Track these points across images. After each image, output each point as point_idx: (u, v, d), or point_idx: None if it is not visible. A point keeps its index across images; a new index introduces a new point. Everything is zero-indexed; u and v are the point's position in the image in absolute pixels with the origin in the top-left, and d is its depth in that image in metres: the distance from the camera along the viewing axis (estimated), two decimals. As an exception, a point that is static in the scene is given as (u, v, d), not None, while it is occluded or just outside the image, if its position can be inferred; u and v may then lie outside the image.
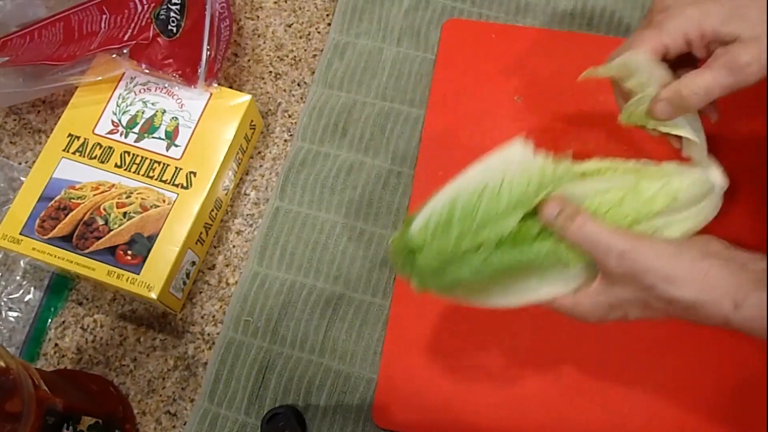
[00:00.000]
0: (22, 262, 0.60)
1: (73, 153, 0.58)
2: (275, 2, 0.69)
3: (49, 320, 0.58)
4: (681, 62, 0.45)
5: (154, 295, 0.53)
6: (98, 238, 0.54)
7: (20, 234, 0.55)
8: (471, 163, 0.43)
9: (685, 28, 0.43)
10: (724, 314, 0.38)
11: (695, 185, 0.44)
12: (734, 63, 0.41)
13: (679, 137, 0.47)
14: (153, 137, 0.58)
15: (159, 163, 0.57)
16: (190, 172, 0.57)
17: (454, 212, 0.41)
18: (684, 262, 0.39)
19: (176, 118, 0.59)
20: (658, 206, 0.43)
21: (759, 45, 0.40)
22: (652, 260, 0.39)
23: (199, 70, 0.59)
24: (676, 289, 0.39)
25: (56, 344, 0.57)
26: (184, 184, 0.56)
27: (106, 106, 0.59)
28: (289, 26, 0.68)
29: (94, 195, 0.56)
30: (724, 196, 0.46)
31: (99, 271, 0.53)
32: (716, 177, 0.46)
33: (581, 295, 0.43)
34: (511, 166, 0.42)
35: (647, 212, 0.42)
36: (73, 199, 0.56)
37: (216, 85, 0.59)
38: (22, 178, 0.62)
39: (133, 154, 0.57)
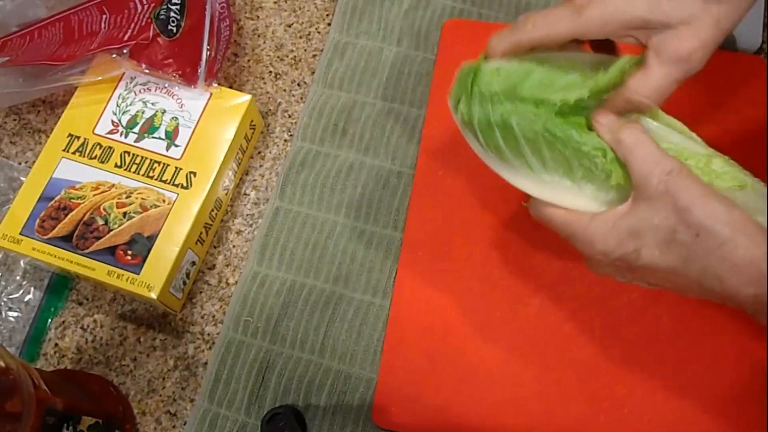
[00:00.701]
0: (22, 262, 0.60)
1: (73, 153, 0.58)
2: (275, 2, 0.69)
3: (49, 320, 0.58)
4: (598, 45, 0.44)
5: (154, 295, 0.53)
6: (98, 238, 0.54)
7: (20, 234, 0.55)
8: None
9: (608, 18, 0.40)
10: (755, 262, 0.34)
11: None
12: (678, 55, 0.39)
13: None
14: (153, 137, 0.58)
15: (159, 163, 0.57)
16: (190, 172, 0.57)
17: (532, 69, 0.40)
18: (727, 202, 0.36)
19: (176, 118, 0.59)
20: (726, 183, 0.39)
21: (694, 29, 0.38)
22: (698, 186, 0.36)
23: (199, 70, 0.59)
24: (712, 219, 0.35)
25: (56, 344, 0.57)
26: (184, 184, 0.56)
27: (106, 106, 0.59)
28: (289, 26, 0.68)
29: (94, 195, 0.56)
30: None
31: (99, 271, 0.53)
32: None
33: (600, 216, 0.40)
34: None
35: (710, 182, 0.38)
36: (73, 199, 0.56)
37: (216, 85, 0.59)
38: (22, 178, 0.62)
39: (133, 154, 0.57)
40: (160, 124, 0.58)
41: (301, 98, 0.65)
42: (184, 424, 0.54)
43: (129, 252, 0.54)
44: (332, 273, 0.57)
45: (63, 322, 0.58)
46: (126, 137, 0.58)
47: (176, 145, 0.58)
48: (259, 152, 0.63)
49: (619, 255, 0.39)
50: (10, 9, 0.62)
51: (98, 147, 0.58)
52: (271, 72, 0.66)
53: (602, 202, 0.41)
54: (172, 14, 0.59)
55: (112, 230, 0.55)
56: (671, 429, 0.50)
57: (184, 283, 0.57)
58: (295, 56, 0.67)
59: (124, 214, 0.55)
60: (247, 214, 0.61)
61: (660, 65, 0.39)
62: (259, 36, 0.68)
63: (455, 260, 0.56)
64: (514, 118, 0.40)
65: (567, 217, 0.41)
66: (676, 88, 0.40)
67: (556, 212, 0.42)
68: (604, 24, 0.40)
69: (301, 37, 0.67)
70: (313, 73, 0.66)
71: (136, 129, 0.58)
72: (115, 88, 0.60)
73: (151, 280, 0.53)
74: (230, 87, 0.62)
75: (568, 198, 0.41)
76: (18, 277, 0.59)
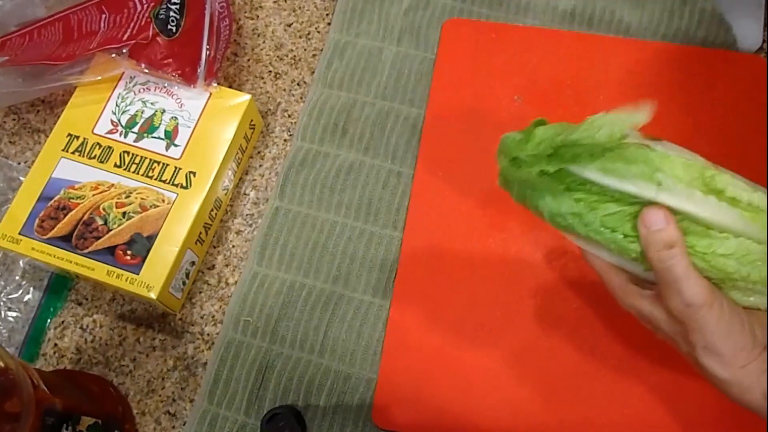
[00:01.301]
0: (21, 262, 0.60)
1: (73, 153, 0.58)
2: (275, 2, 0.69)
3: (49, 320, 0.58)
4: None
5: (153, 295, 0.53)
6: (97, 238, 0.54)
7: (19, 234, 0.55)
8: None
9: None
10: (755, 403, 0.39)
11: None
12: None
13: None
14: (152, 137, 0.58)
15: (158, 162, 0.57)
16: (190, 172, 0.57)
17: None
18: (732, 344, 0.38)
19: (176, 117, 0.59)
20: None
21: None
22: (709, 326, 0.38)
23: (199, 70, 0.59)
24: (713, 362, 0.38)
25: (55, 344, 0.57)
26: (184, 184, 0.56)
27: (105, 106, 0.59)
28: (289, 26, 0.68)
29: (94, 195, 0.56)
30: None
31: (98, 271, 0.53)
32: None
33: (631, 288, 0.42)
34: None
35: (749, 279, 0.39)
36: (73, 198, 0.56)
37: (215, 84, 0.59)
38: (22, 178, 0.62)
39: (133, 154, 0.57)
40: (160, 124, 0.58)
41: (301, 98, 0.65)
42: (184, 425, 0.54)
43: (128, 252, 0.54)
44: (332, 273, 0.57)
45: (62, 322, 0.58)
46: (125, 137, 0.58)
47: (176, 145, 0.58)
48: (259, 152, 0.63)
49: (640, 319, 0.43)
50: (9, 8, 0.62)
51: (97, 147, 0.58)
52: (270, 72, 0.66)
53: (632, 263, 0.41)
54: (171, 14, 0.59)
55: (111, 230, 0.54)
56: (671, 429, 0.50)
57: (184, 283, 0.57)
58: (294, 56, 0.67)
59: (124, 214, 0.55)
60: (247, 214, 0.61)
61: None
62: (258, 35, 0.68)
63: (455, 260, 0.56)
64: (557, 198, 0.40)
65: (606, 272, 0.43)
66: None
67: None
68: None
69: (300, 37, 0.67)
70: (313, 72, 0.66)
71: (136, 129, 0.58)
72: (115, 88, 0.60)
73: (150, 280, 0.53)
74: (230, 87, 0.62)
75: (604, 254, 0.42)
76: (17, 277, 0.59)
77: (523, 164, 0.40)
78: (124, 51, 0.57)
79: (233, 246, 0.60)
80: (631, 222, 0.39)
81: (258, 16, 0.69)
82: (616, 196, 0.39)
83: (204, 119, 0.58)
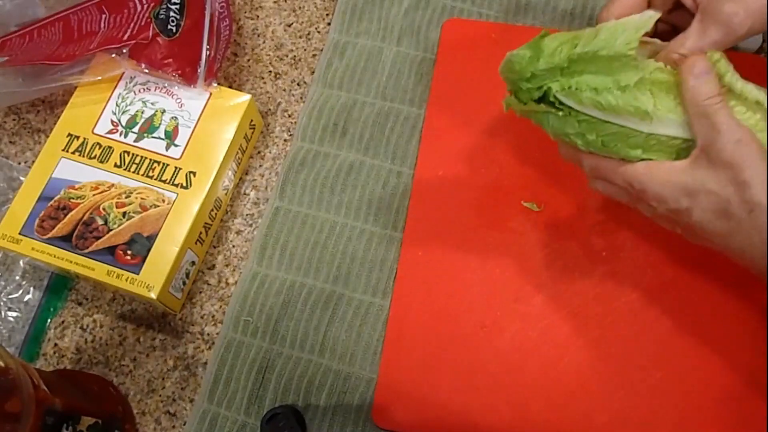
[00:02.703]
0: (21, 262, 0.60)
1: (73, 153, 0.58)
2: (275, 2, 0.69)
3: (49, 320, 0.58)
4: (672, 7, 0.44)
5: (153, 295, 0.53)
6: (98, 238, 0.54)
7: (19, 234, 0.55)
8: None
9: None
10: None
11: None
12: (719, 15, 0.39)
13: None
14: (152, 137, 0.58)
15: (158, 162, 0.57)
16: (190, 172, 0.57)
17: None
18: None
19: (176, 117, 0.59)
20: None
21: None
22: (762, 163, 0.36)
23: (199, 70, 0.59)
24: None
25: (56, 344, 0.57)
26: (184, 184, 0.56)
27: (105, 106, 0.59)
28: (289, 26, 0.68)
29: (94, 195, 0.56)
30: None
31: (98, 271, 0.53)
32: None
33: (660, 165, 0.40)
34: None
35: None
36: (73, 198, 0.56)
37: (216, 84, 0.59)
38: (22, 178, 0.62)
39: (133, 154, 0.57)
40: (160, 124, 0.58)
41: (301, 98, 0.65)
42: (184, 424, 0.54)
43: (128, 252, 0.54)
44: (332, 273, 0.57)
45: (62, 322, 0.58)
46: (125, 137, 0.58)
47: (176, 145, 0.58)
48: (259, 152, 0.63)
49: (672, 208, 0.40)
50: (9, 9, 0.62)
51: (98, 147, 0.58)
52: (270, 72, 0.66)
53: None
54: (171, 14, 0.59)
55: (111, 230, 0.55)
56: (671, 428, 0.50)
57: (184, 283, 0.57)
58: (294, 56, 0.67)
59: (124, 213, 0.55)
60: (247, 214, 0.61)
61: (700, 25, 0.40)
62: (258, 35, 0.68)
63: (455, 260, 0.56)
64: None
65: (627, 167, 0.42)
66: (719, 50, 0.40)
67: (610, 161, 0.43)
68: None
69: (300, 37, 0.67)
70: (313, 72, 0.66)
71: (136, 129, 0.58)
72: (115, 88, 0.60)
73: (150, 280, 0.53)
74: (230, 87, 0.62)
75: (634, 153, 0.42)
76: (17, 277, 0.59)
77: (533, 80, 0.42)
78: (124, 51, 0.57)
79: (233, 246, 0.60)
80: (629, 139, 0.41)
81: (258, 16, 0.69)
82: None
83: (204, 119, 0.58)
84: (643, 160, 0.41)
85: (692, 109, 0.39)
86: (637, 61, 0.40)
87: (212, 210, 0.58)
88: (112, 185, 0.56)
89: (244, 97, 0.59)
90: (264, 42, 0.67)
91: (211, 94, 0.59)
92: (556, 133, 0.44)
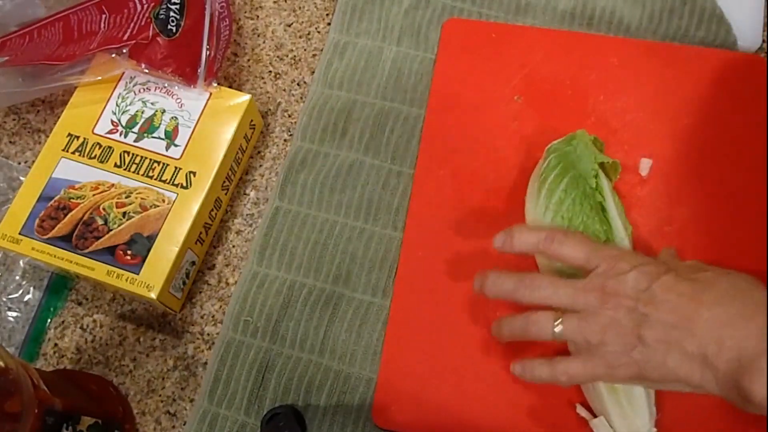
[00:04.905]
0: (21, 262, 0.60)
1: (73, 153, 0.58)
2: (275, 2, 0.69)
3: (49, 320, 0.58)
4: None
5: (153, 295, 0.53)
6: (98, 238, 0.54)
7: (19, 234, 0.55)
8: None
9: None
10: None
11: None
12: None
13: None
14: (152, 137, 0.58)
15: (158, 162, 0.57)
16: (190, 172, 0.57)
17: None
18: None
19: (176, 117, 0.59)
20: None
21: None
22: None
23: (199, 70, 0.59)
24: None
25: (56, 344, 0.57)
26: (184, 184, 0.56)
27: (105, 106, 0.59)
28: (289, 26, 0.68)
29: (94, 195, 0.56)
30: None
31: (98, 271, 0.53)
32: None
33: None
34: None
35: None
36: (73, 198, 0.56)
37: (216, 84, 0.59)
38: (22, 178, 0.62)
39: (133, 154, 0.57)
40: (160, 124, 0.58)
41: (301, 98, 0.65)
42: (184, 424, 0.54)
43: (128, 252, 0.54)
44: (332, 273, 0.57)
45: (62, 322, 0.58)
46: (125, 137, 0.58)
47: (176, 145, 0.58)
48: (259, 152, 0.63)
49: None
50: (9, 9, 0.62)
51: (98, 147, 0.58)
52: (270, 72, 0.66)
53: None
54: (171, 14, 0.59)
55: (111, 230, 0.55)
56: (671, 429, 0.50)
57: (184, 283, 0.57)
58: (294, 56, 0.67)
59: (124, 213, 0.55)
60: (247, 214, 0.61)
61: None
62: (258, 35, 0.68)
63: (455, 260, 0.56)
64: None
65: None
66: None
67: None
68: None
69: (300, 37, 0.67)
70: (313, 72, 0.66)
71: (136, 129, 0.58)
72: (115, 88, 0.60)
73: (150, 280, 0.53)
74: (230, 87, 0.62)
75: None
76: (17, 277, 0.59)
77: None
78: (124, 51, 0.57)
79: (233, 246, 0.60)
80: None
81: (258, 16, 0.69)
82: None
83: (204, 119, 0.58)
84: None
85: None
86: None
87: (212, 210, 0.58)
88: (112, 185, 0.56)
89: (244, 97, 0.59)
90: (264, 42, 0.67)
91: (211, 94, 0.59)
92: None
